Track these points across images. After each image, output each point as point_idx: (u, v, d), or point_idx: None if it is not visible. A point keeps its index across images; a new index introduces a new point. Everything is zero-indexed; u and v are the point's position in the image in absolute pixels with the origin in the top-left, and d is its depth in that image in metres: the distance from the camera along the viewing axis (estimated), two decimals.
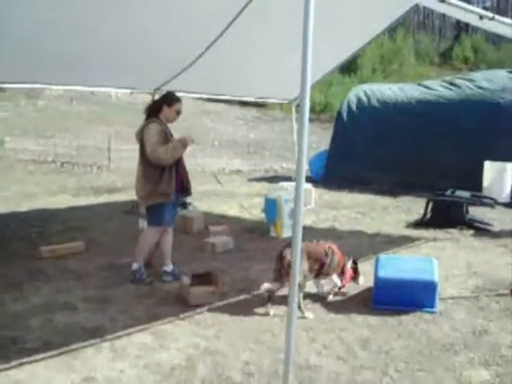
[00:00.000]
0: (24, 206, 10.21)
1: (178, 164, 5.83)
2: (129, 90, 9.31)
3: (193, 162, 17.35)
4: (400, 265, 5.44)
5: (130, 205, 9.56)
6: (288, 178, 11.69)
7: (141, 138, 5.73)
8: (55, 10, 5.44)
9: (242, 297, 5.43)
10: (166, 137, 5.71)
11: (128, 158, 15.03)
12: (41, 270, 6.21)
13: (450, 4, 4.09)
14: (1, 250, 7.09)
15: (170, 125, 5.92)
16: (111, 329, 4.56)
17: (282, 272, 4.86)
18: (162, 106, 5.86)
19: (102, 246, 7.28)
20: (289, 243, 4.84)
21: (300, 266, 4.83)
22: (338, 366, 3.94)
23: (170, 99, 5.90)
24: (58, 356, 4.06)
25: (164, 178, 5.65)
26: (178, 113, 5.89)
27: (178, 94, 6.13)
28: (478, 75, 14.30)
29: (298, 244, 3.04)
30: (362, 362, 4.01)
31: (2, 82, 8.06)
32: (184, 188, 5.96)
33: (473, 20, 4.78)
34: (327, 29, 6.41)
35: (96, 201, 11.09)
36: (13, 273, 6.09)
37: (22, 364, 3.92)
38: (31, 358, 4.00)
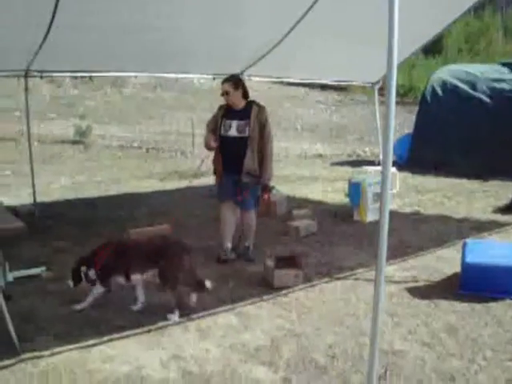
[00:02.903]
0: (112, 191, 10.58)
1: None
2: (211, 76, 9.44)
3: (276, 145, 17.49)
4: (488, 250, 5.29)
5: (213, 189, 9.71)
6: (371, 162, 11.54)
7: None
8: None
9: (325, 280, 5.43)
10: (214, 122, 6.08)
11: None
12: None
13: None
14: (92, 231, 7.37)
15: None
16: (197, 309, 4.67)
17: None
18: None
19: (187, 229, 7.43)
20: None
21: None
22: (423, 353, 3.88)
23: None
24: (146, 333, 4.21)
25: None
26: (222, 94, 5.97)
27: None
28: None
29: (385, 227, 2.98)
30: (448, 349, 3.94)
31: (91, 71, 8.37)
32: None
33: None
34: (409, 9, 6.26)
35: (181, 185, 11.32)
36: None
37: (112, 340, 4.10)
38: (122, 335, 4.17)
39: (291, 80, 11.54)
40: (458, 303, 4.78)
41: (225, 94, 5.92)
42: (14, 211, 7.97)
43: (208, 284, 4.65)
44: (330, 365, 3.73)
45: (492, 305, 4.73)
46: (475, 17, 39.67)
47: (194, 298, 4.71)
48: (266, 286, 5.19)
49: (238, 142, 5.87)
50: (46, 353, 3.87)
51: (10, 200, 9.01)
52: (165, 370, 3.67)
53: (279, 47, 7.80)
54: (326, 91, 28.94)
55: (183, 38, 6.91)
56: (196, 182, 10.36)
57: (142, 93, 25.37)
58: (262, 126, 5.87)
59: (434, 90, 14.26)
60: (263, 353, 3.89)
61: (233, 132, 5.89)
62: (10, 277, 5.27)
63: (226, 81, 5.97)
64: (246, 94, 6.01)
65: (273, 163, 6.04)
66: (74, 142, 16.75)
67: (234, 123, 5.89)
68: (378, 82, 9.37)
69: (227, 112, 5.99)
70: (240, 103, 5.96)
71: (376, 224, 3.07)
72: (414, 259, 6.09)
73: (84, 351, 3.92)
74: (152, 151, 16.59)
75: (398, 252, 6.26)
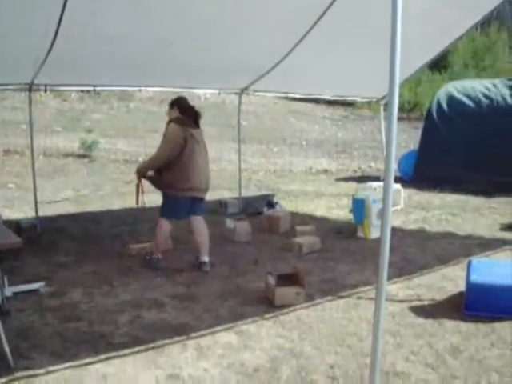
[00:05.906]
0: (116, 205, 10.52)
1: None
2: (217, 91, 9.43)
3: (281, 161, 17.42)
4: (494, 269, 5.19)
5: (216, 204, 9.67)
6: (376, 178, 11.48)
7: None
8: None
9: (327, 298, 5.35)
10: None
11: (216, 158, 15.23)
12: (130, 267, 6.37)
13: None
14: (94, 246, 7.33)
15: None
16: (196, 327, 4.60)
17: None
18: None
19: (189, 245, 7.37)
20: None
21: None
22: (426, 374, 3.78)
23: None
24: (144, 352, 4.13)
25: None
26: None
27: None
28: None
29: (387, 245, 2.92)
30: (452, 370, 3.83)
31: (96, 85, 8.36)
32: None
33: None
34: (416, 25, 6.23)
35: None
36: (104, 269, 6.28)
37: (109, 358, 4.01)
38: (119, 353, 4.09)
39: (297, 95, 11.55)
40: (463, 323, 4.68)
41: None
42: (16, 225, 7.90)
43: None
44: None
45: (497, 325, 4.63)
46: (481, 33, 39.65)
47: None
48: (267, 304, 5.11)
49: None
50: (41, 371, 3.79)
51: (12, 213, 8.97)
52: None
53: (284, 62, 7.79)
54: (332, 107, 28.96)
55: (189, 53, 6.90)
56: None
57: (148, 107, 25.38)
58: None
59: (439, 105, 14.21)
60: (262, 373, 3.80)
61: None
62: (9, 292, 5.22)
63: None
64: (182, 111, 6.33)
65: (150, 164, 6.26)
66: (80, 156, 16.73)
67: None
68: (383, 98, 9.34)
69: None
70: None
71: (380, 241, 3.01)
72: (418, 277, 6.00)
73: (79, 369, 3.84)
74: None
75: (402, 270, 6.19)
